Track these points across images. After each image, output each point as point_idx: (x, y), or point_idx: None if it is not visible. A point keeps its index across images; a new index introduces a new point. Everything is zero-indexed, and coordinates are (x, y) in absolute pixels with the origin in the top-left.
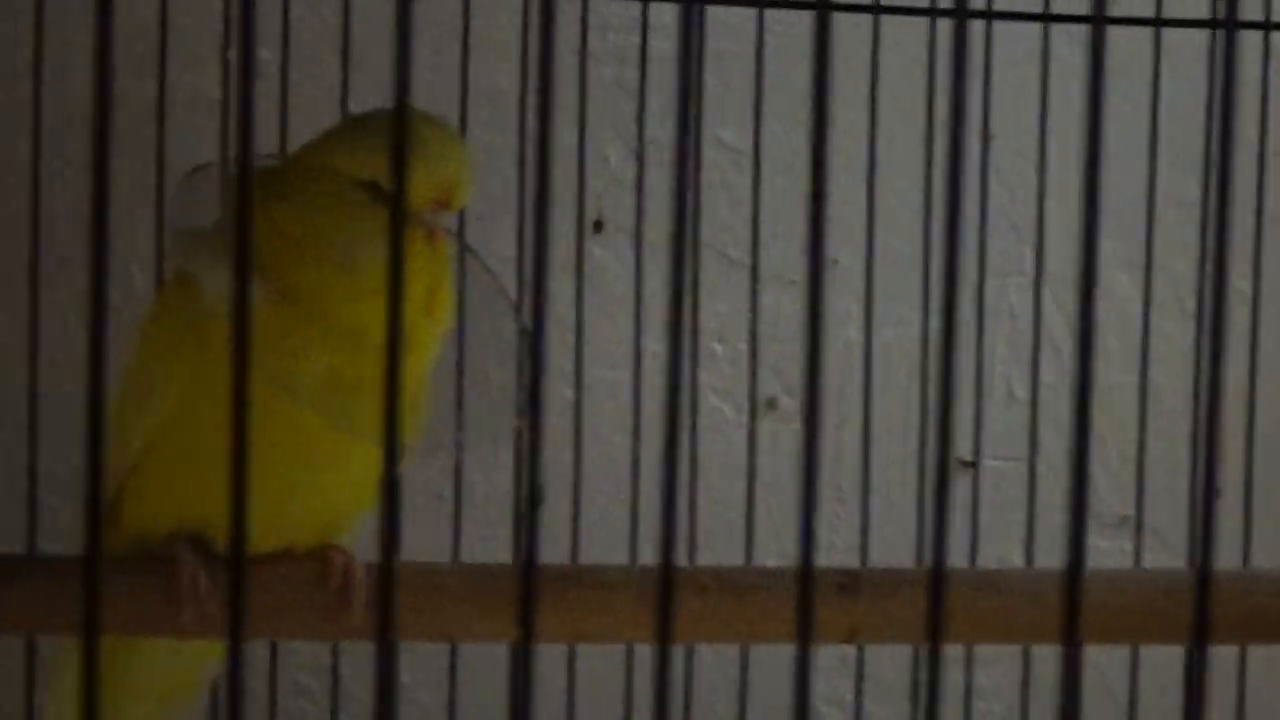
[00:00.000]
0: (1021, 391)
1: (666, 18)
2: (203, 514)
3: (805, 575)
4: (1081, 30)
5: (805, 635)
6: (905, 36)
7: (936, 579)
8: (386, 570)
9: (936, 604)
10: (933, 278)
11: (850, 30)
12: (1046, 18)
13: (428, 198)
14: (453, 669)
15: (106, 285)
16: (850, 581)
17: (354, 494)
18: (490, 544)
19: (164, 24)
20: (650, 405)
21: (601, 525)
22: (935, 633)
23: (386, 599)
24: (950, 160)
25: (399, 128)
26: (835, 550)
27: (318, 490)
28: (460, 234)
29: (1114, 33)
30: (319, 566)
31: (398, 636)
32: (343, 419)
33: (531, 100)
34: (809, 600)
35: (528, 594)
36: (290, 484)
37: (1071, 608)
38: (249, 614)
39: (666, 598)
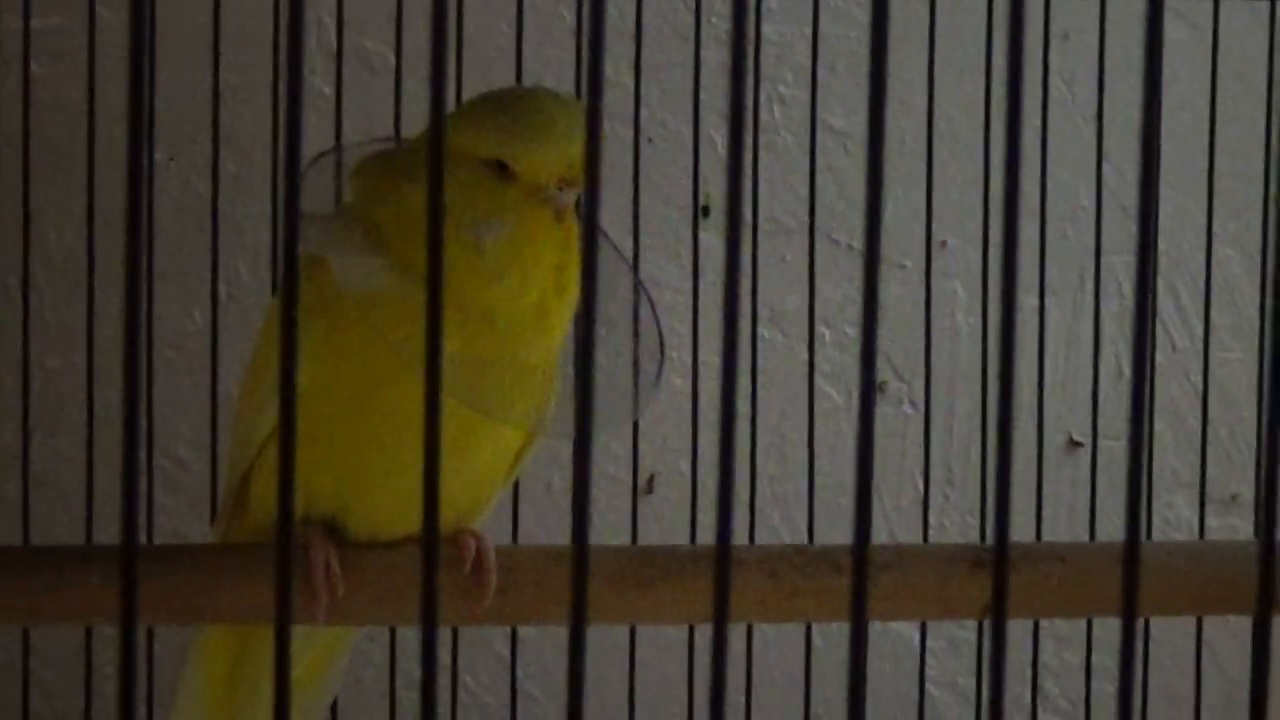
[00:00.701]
0: (1130, 370)
1: (771, 1)
2: (334, 499)
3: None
4: (1193, 9)
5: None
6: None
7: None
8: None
9: (1130, 579)
10: (1046, 258)
11: (963, 15)
12: None
13: (555, 175)
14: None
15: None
16: (984, 557)
17: (487, 476)
18: (604, 529)
19: (276, 20)
20: (764, 391)
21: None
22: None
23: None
24: (1009, 135)
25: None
26: (945, 532)
27: (452, 473)
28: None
29: (1227, 8)
30: (449, 550)
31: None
32: (475, 399)
33: (643, 88)
34: (863, 580)
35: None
36: (421, 469)
37: (1130, 581)
38: (378, 598)
39: (724, 578)
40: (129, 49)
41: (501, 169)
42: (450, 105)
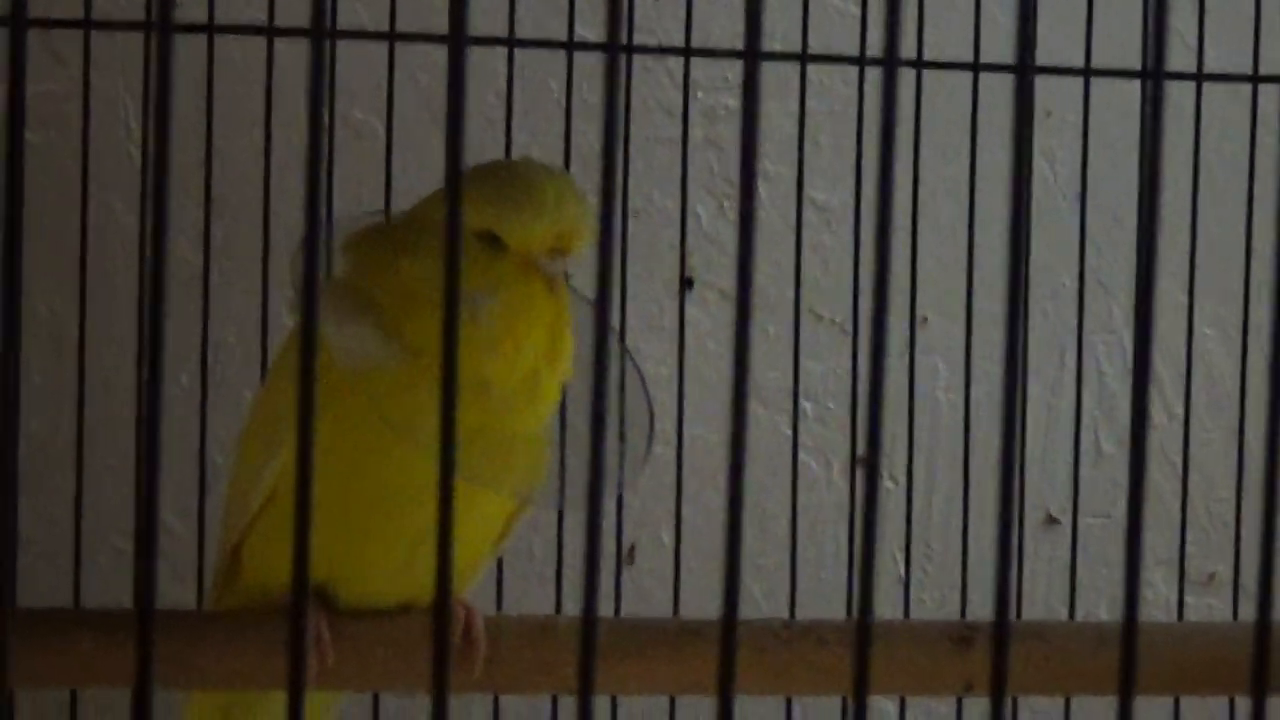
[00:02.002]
0: (1110, 448)
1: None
2: (325, 567)
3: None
4: (1174, 90)
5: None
6: (1000, 94)
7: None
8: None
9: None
10: (1028, 337)
11: (944, 89)
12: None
13: (546, 245)
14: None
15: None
16: (969, 634)
17: (477, 546)
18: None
19: (269, 84)
20: (747, 464)
21: (701, 581)
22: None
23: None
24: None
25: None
26: (925, 607)
27: None
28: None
29: (1208, 89)
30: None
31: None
32: (467, 470)
33: (629, 163)
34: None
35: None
36: (413, 537)
37: (1127, 660)
38: (370, 667)
39: (729, 650)
40: (155, 143)
41: (493, 240)
42: (438, 177)
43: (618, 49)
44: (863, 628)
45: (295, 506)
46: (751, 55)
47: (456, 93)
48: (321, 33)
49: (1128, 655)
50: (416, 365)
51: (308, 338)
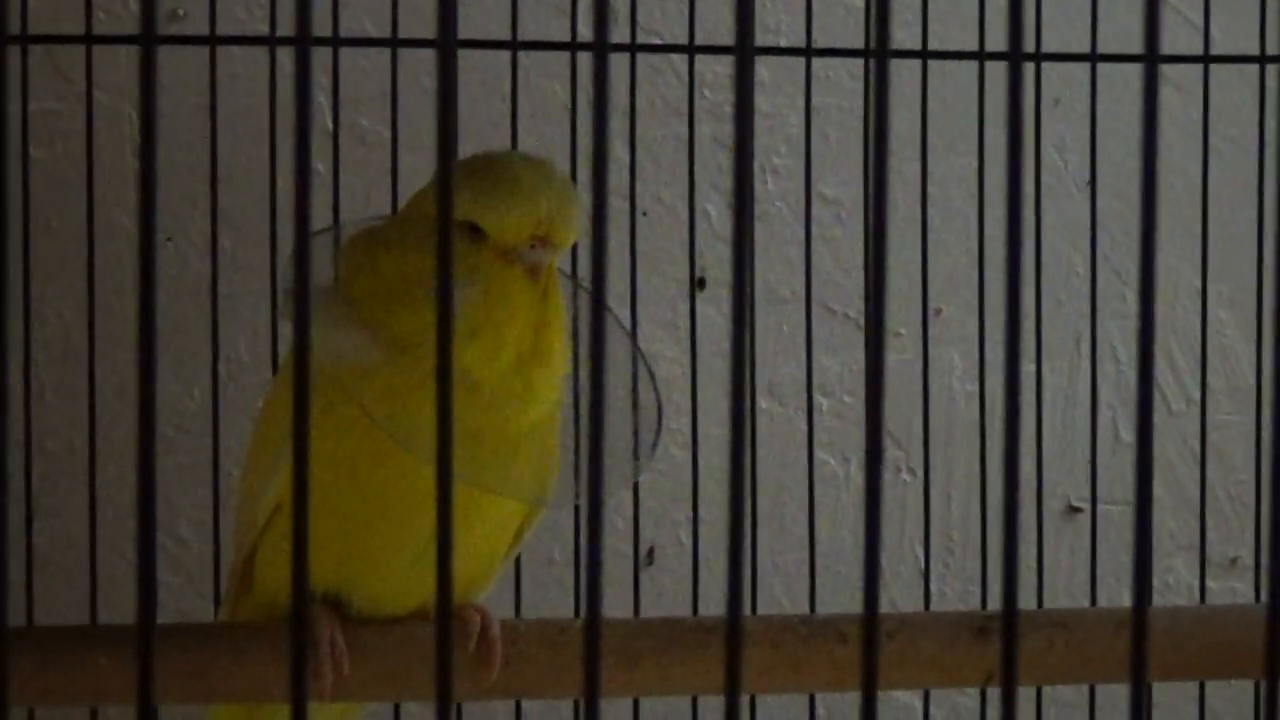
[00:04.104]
0: (1128, 435)
1: (763, 74)
2: (336, 575)
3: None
4: (1181, 73)
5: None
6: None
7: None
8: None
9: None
10: (1043, 323)
11: (952, 79)
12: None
13: (525, 235)
14: None
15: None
16: (989, 624)
17: (489, 550)
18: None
19: (273, 94)
20: (763, 461)
21: (721, 580)
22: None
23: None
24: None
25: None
26: (945, 599)
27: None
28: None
29: (1216, 70)
30: (457, 625)
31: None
32: (469, 473)
33: (638, 162)
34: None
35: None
36: (423, 542)
37: (1139, 646)
38: (386, 676)
39: (735, 647)
40: (140, 145)
41: (475, 231)
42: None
43: (606, 49)
44: (871, 609)
45: (293, 520)
46: (745, 52)
47: (447, 98)
48: (306, 40)
49: (1139, 633)
50: (402, 363)
51: (302, 348)
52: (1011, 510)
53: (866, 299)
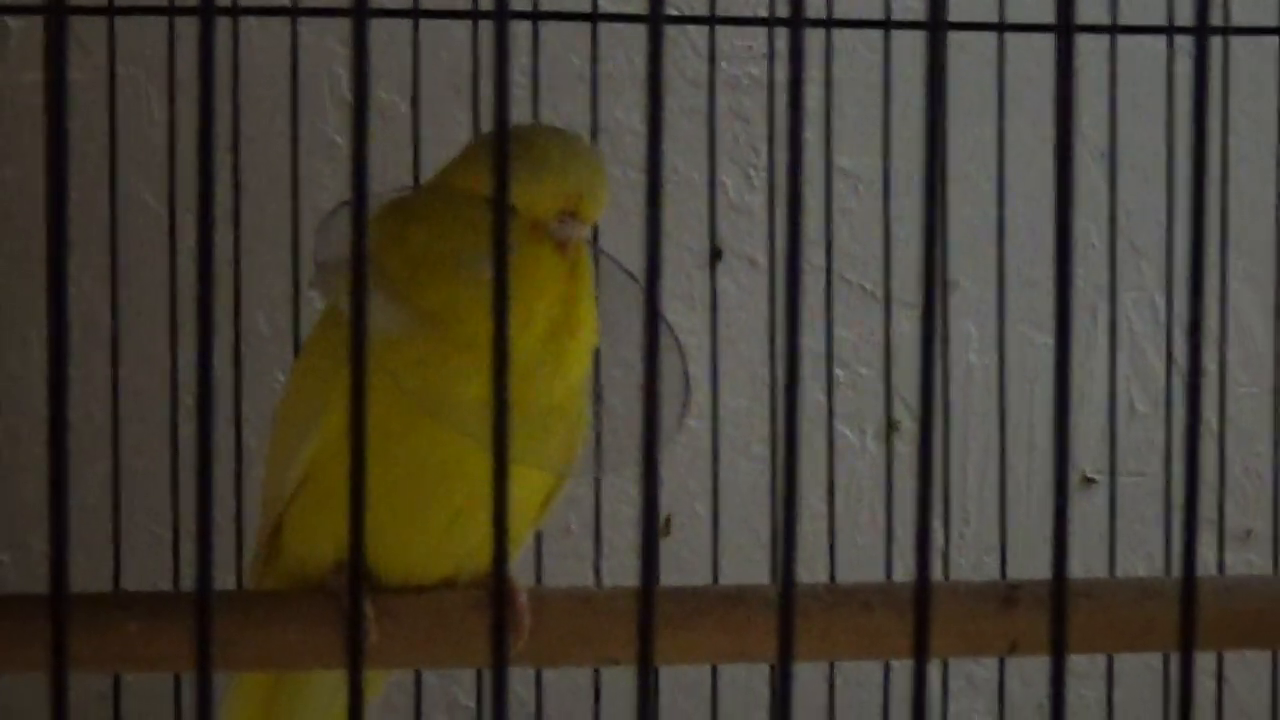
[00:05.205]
0: (1143, 406)
1: (781, 44)
2: (365, 544)
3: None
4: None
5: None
6: (1025, 55)
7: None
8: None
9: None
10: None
11: (969, 50)
12: (1169, 30)
13: (554, 208)
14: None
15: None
16: (1013, 594)
17: (516, 522)
18: (621, 572)
19: (294, 69)
20: (779, 434)
21: (738, 551)
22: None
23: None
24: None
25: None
26: (961, 569)
27: (482, 518)
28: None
29: (1234, 43)
30: (481, 594)
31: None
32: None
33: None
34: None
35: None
36: (452, 512)
37: (1188, 615)
38: (414, 644)
39: (789, 616)
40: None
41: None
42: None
43: (660, 20)
44: (922, 582)
45: (350, 491)
46: (792, 25)
47: (502, 71)
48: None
49: (1187, 608)
50: (433, 335)
51: (359, 316)
52: (1062, 481)
53: (887, 270)
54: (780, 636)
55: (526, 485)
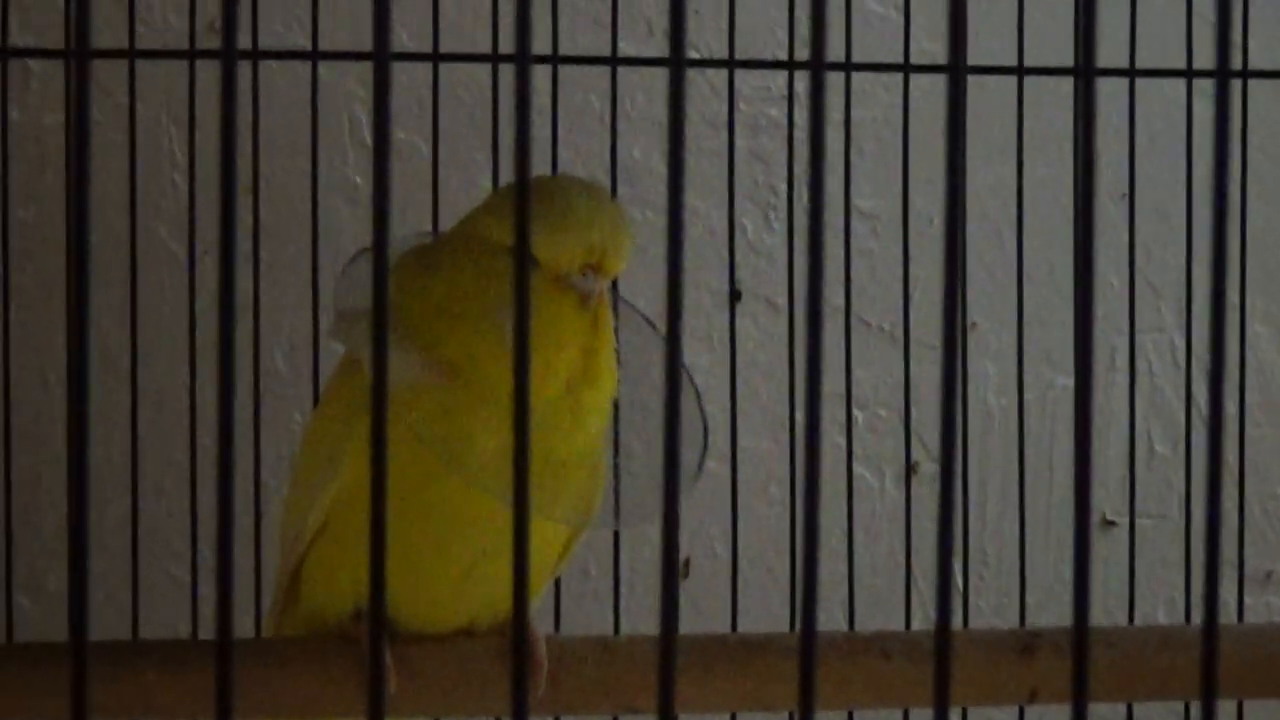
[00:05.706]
0: (1162, 448)
1: (800, 86)
2: (384, 592)
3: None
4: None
5: None
6: (1044, 97)
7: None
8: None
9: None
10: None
11: (987, 93)
12: (1188, 73)
13: (578, 262)
14: None
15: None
16: (1032, 641)
17: (536, 569)
18: (638, 615)
19: (314, 111)
20: (799, 476)
21: (756, 592)
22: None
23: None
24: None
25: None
26: (981, 613)
27: (498, 565)
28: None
29: (1253, 86)
30: (500, 642)
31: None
32: (510, 494)
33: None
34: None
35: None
36: (470, 560)
37: (1209, 662)
38: (433, 693)
39: (810, 665)
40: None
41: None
42: (483, 195)
43: (682, 63)
44: (942, 629)
45: (370, 544)
46: (814, 67)
47: (523, 116)
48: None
49: (1209, 657)
50: (453, 385)
51: (380, 363)
52: (1083, 533)
53: (905, 312)
54: (801, 687)
55: (545, 535)
